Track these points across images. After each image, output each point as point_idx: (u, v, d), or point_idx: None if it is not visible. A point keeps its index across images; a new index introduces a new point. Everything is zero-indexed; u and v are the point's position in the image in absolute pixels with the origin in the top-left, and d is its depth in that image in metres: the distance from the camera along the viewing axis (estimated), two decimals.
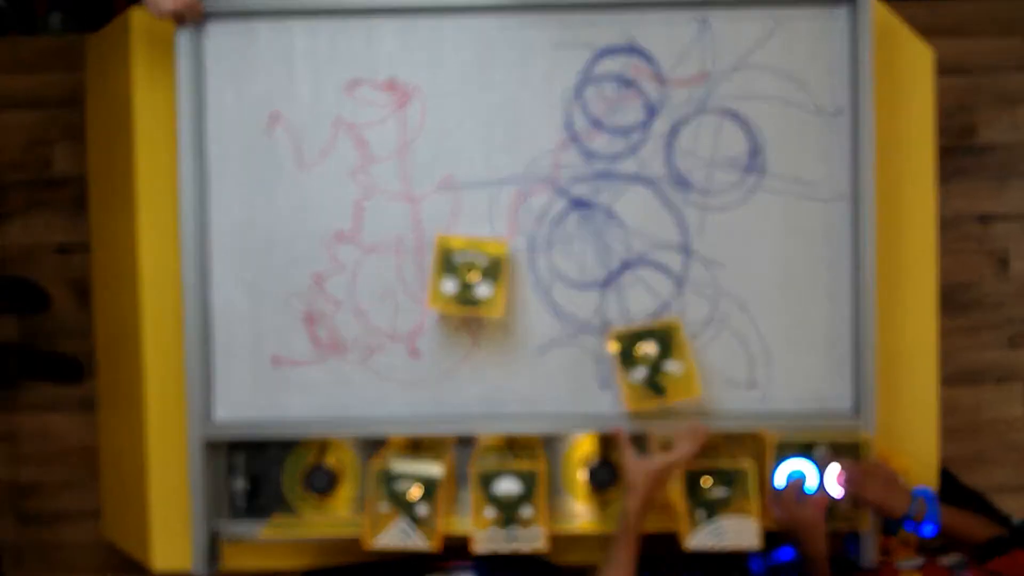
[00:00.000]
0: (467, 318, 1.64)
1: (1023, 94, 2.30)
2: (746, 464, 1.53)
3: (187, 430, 1.61)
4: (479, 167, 1.63)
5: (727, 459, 1.57)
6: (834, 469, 1.53)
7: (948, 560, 1.49)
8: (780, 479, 1.55)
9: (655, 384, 1.54)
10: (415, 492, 1.52)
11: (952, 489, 1.73)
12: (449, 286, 1.56)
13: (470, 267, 1.57)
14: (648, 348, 1.55)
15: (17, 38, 2.39)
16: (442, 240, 1.59)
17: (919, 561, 1.54)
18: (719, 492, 1.53)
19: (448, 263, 1.58)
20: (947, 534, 1.51)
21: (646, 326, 1.58)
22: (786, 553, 1.67)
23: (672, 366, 1.54)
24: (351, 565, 1.76)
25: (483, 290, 1.56)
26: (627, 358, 1.55)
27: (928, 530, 1.46)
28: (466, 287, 1.57)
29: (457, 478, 1.68)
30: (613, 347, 1.56)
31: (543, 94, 1.62)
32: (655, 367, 1.54)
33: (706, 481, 1.54)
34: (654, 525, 1.59)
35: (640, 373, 1.55)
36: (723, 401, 1.64)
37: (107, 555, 2.33)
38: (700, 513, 1.53)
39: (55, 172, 2.37)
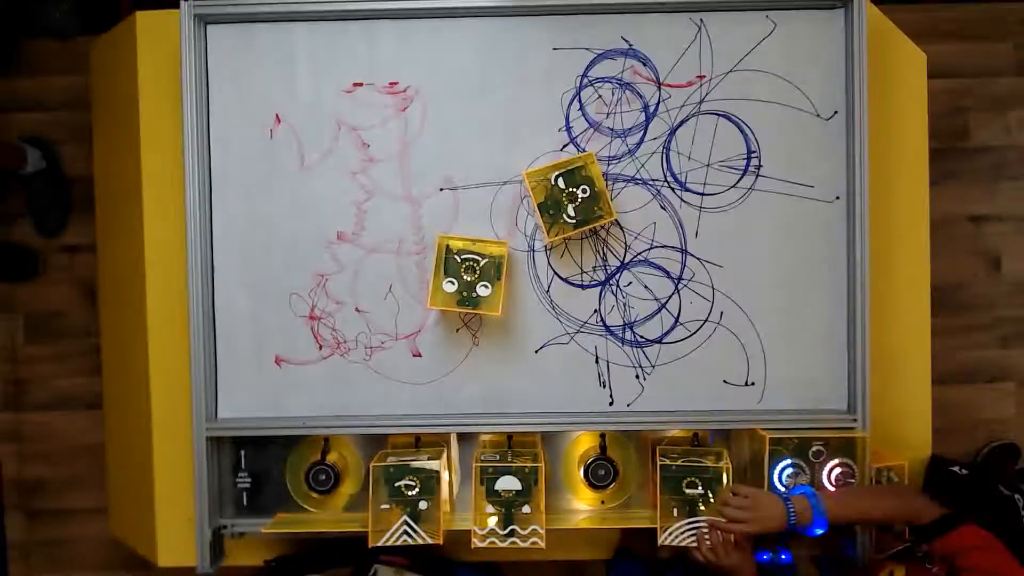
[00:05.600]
0: (467, 317, 1.66)
1: (1014, 97, 2.32)
2: (725, 464, 1.54)
3: (192, 428, 1.63)
4: (479, 168, 1.65)
5: (707, 458, 1.58)
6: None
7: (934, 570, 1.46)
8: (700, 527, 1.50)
9: (577, 215, 1.57)
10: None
11: (941, 474, 1.73)
12: (449, 286, 1.59)
13: (470, 267, 1.60)
14: (561, 183, 1.58)
15: (23, 40, 2.40)
16: (442, 240, 1.61)
17: (902, 546, 1.53)
18: (698, 491, 1.53)
19: (448, 263, 1.60)
20: (869, 522, 1.47)
21: (557, 164, 1.59)
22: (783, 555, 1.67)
23: (586, 193, 1.57)
24: (307, 550, 1.77)
25: (483, 290, 1.58)
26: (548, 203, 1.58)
27: (818, 532, 1.41)
28: (466, 287, 1.59)
29: (458, 476, 1.70)
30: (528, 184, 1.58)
31: (542, 96, 1.64)
32: (562, 203, 1.57)
33: (686, 480, 1.54)
34: (639, 523, 1.62)
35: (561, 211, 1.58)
36: (720, 399, 1.66)
37: (113, 552, 2.35)
38: (679, 511, 1.53)
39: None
